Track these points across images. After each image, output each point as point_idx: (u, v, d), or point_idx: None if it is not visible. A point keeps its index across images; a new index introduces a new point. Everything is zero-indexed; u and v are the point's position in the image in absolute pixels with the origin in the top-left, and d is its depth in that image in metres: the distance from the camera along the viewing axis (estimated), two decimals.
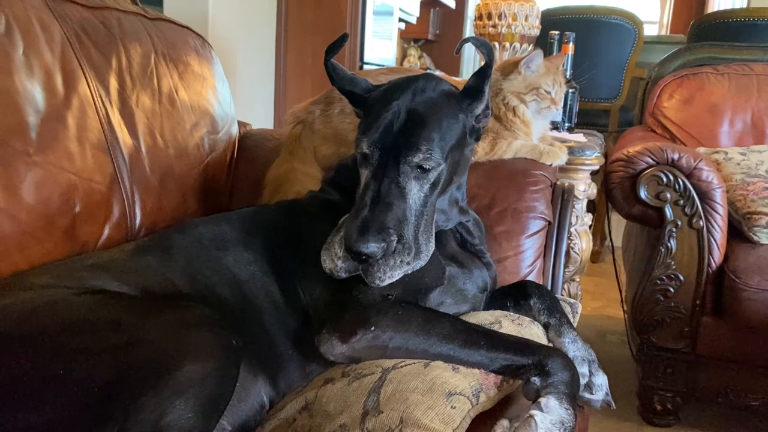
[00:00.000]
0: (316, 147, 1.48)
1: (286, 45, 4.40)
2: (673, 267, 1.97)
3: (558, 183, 1.50)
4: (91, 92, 1.19)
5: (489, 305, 1.22)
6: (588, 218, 2.03)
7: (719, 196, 1.92)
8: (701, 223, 1.92)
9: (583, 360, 1.09)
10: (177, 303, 0.93)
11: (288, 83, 4.38)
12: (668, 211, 1.95)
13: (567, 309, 1.26)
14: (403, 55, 7.11)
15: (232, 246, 1.10)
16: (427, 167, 1.01)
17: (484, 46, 1.07)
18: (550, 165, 1.48)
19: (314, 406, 0.91)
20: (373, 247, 0.94)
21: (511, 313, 1.15)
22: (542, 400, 0.89)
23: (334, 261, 0.99)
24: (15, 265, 1.01)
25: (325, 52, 1.10)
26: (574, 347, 1.12)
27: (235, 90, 3.51)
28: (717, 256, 1.93)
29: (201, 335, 0.84)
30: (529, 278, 1.39)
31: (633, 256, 2.39)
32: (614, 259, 2.60)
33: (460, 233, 1.21)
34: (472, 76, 1.09)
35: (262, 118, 3.57)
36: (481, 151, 1.46)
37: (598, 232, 3.74)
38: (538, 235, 1.40)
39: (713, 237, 1.93)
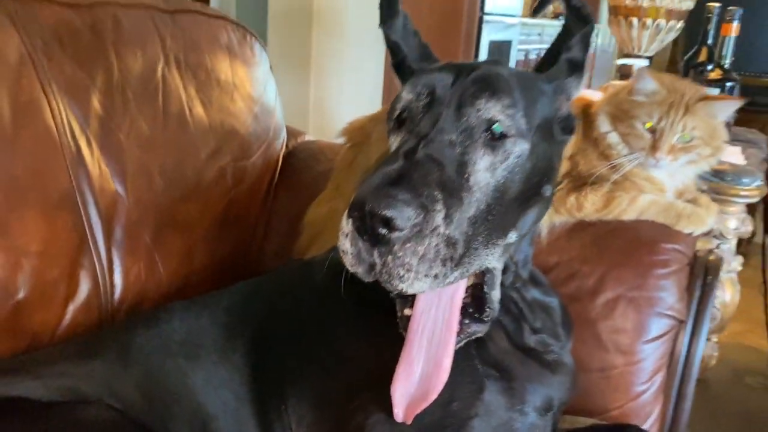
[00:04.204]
0: None
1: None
2: None
3: (700, 256, 1.06)
4: (56, 127, 0.90)
5: None
6: (737, 262, 1.57)
7: None
8: None
9: None
10: None
11: None
12: None
13: None
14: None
15: (206, 355, 0.82)
16: (505, 132, 0.65)
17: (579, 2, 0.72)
18: (691, 234, 1.04)
19: None
20: (402, 206, 0.56)
21: None
22: None
23: (343, 240, 0.62)
24: None
25: None
26: None
27: (342, 67, 3.19)
28: None
29: None
30: (644, 398, 0.99)
31: None
32: (764, 273, 2.04)
33: (513, 313, 0.80)
34: (565, 41, 0.75)
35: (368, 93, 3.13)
36: (589, 206, 1.04)
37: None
38: (663, 339, 0.99)
39: None
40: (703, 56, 1.89)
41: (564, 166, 1.07)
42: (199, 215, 1.08)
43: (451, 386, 0.69)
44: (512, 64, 5.42)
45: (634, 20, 1.87)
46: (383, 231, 0.57)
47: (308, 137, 1.44)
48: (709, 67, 1.79)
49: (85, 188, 0.93)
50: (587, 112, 1.09)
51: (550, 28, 6.10)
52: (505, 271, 0.74)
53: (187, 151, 1.08)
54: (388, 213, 0.55)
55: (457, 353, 0.69)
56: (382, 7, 0.78)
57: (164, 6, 1.13)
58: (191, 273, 1.07)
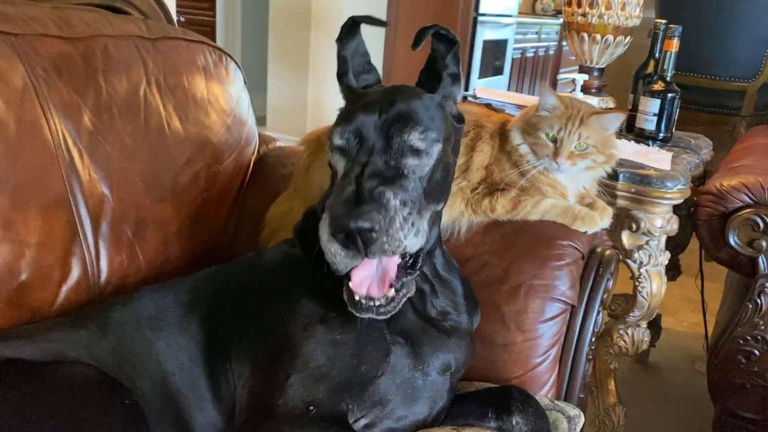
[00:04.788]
0: (324, 183, 1.31)
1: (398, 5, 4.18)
2: (761, 327, 1.65)
3: (597, 250, 1.25)
4: (53, 141, 1.11)
5: (466, 414, 1.04)
6: (665, 257, 1.75)
7: None
8: None
9: None
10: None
11: (399, 43, 4.16)
12: (762, 263, 1.62)
13: (563, 426, 1.06)
14: None
15: (168, 327, 1.01)
16: (425, 148, 0.88)
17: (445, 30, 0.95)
18: (585, 232, 1.23)
19: None
20: (371, 215, 0.78)
21: None
22: None
23: (329, 255, 0.84)
24: None
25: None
26: None
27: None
28: None
29: None
30: (541, 369, 1.18)
31: (726, 295, 2.06)
32: (702, 273, 2.20)
33: (419, 290, 0.98)
34: (439, 61, 0.97)
35: None
36: (500, 209, 1.23)
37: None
38: (557, 320, 1.18)
39: None
40: (650, 68, 2.07)
41: (481, 174, 1.26)
42: (175, 213, 1.29)
43: (361, 353, 0.89)
44: (508, 62, 5.59)
45: (585, 35, 2.06)
46: (371, 235, 0.78)
47: (279, 143, 1.64)
48: (655, 78, 1.96)
49: (76, 191, 1.13)
50: (503, 129, 1.28)
51: (547, 26, 6.25)
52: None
53: (164, 160, 1.28)
54: (368, 225, 0.77)
55: (369, 325, 0.90)
56: (343, 28, 0.99)
57: (147, 34, 1.33)
58: (166, 262, 1.27)
